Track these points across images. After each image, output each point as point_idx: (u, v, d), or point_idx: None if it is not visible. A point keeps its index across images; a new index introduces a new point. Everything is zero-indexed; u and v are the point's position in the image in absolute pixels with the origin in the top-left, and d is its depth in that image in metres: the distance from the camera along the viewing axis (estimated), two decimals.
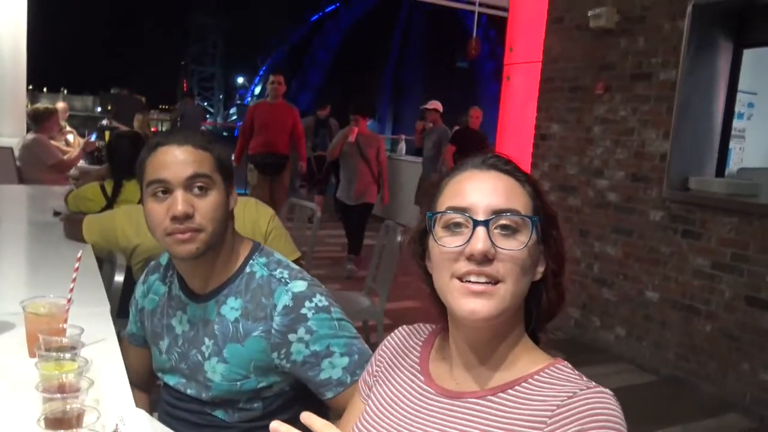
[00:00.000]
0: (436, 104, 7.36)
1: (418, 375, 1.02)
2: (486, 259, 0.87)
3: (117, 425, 1.12)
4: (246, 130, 6.17)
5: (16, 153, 5.40)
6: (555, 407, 0.84)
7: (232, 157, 7.28)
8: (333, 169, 7.87)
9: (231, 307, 1.34)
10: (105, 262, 2.45)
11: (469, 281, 0.87)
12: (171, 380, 1.44)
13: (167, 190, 1.28)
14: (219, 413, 1.37)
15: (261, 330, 1.30)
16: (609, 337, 4.32)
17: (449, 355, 0.99)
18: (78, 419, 1.00)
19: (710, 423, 3.37)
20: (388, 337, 1.13)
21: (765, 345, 3.38)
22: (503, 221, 0.89)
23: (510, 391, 0.90)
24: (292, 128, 6.16)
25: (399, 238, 3.29)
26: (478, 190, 0.92)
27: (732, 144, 4.25)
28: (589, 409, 0.82)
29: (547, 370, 0.91)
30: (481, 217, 0.89)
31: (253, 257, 1.39)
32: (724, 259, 3.62)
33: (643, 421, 3.18)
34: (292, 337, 1.29)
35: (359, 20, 36.22)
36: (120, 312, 2.04)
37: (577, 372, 0.91)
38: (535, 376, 0.91)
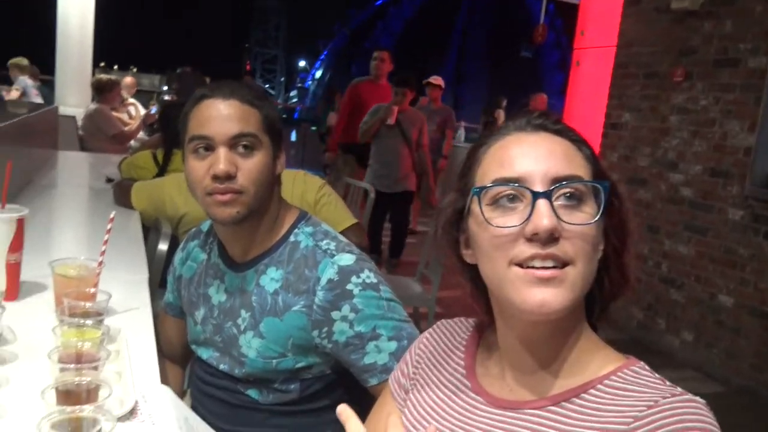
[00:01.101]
0: (438, 80, 6.58)
1: (464, 380, 0.86)
2: (552, 238, 0.70)
3: (137, 402, 1.02)
4: (346, 113, 5.37)
5: (79, 122, 5.50)
6: (632, 419, 0.68)
7: (325, 146, 6.68)
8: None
9: (271, 278, 1.23)
10: (151, 230, 2.40)
11: (534, 267, 0.71)
12: (204, 354, 1.34)
13: (209, 147, 1.18)
14: (252, 392, 1.26)
15: (302, 304, 1.18)
16: (674, 342, 4.04)
17: (499, 357, 0.83)
18: (90, 394, 0.89)
19: None
20: (426, 334, 0.96)
21: None
22: (567, 190, 0.72)
23: (576, 399, 0.75)
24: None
25: None
26: (530, 156, 0.75)
27: None
28: (676, 420, 0.66)
29: (620, 373, 0.75)
30: (540, 188, 0.72)
31: (299, 226, 1.27)
32: None
33: None
34: (335, 314, 1.16)
35: (422, 6, 35.91)
36: (162, 282, 1.96)
37: (657, 375, 0.75)
38: (606, 381, 0.75)
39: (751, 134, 3.64)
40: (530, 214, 0.71)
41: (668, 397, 0.69)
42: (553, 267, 0.71)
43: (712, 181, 3.87)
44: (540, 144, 0.76)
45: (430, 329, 0.97)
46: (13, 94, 6.98)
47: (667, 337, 4.10)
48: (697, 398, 0.69)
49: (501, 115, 8.04)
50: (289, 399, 1.25)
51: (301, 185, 2.18)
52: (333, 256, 1.19)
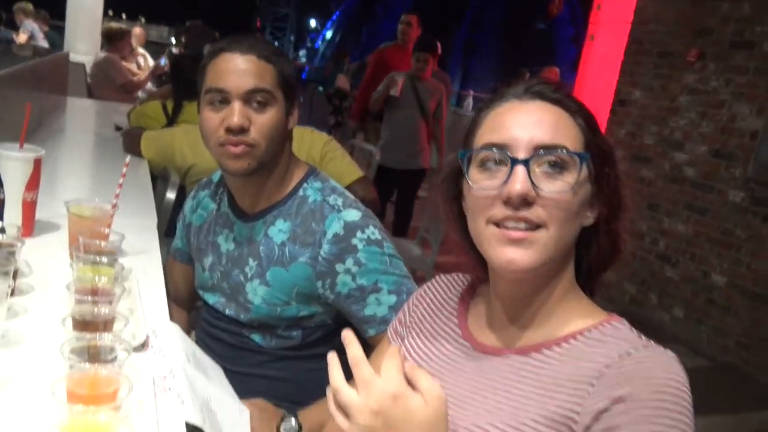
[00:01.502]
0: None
1: (455, 328, 0.92)
2: (525, 202, 0.76)
3: (148, 336, 1.07)
4: (370, 79, 4.87)
5: (88, 70, 5.49)
6: (605, 367, 0.73)
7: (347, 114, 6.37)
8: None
9: (279, 230, 1.28)
10: (159, 179, 2.43)
11: (507, 227, 0.77)
12: (211, 299, 1.39)
13: (225, 100, 1.21)
14: (256, 337, 1.32)
15: (308, 256, 1.23)
16: (665, 317, 4.12)
17: (490, 308, 0.89)
18: (106, 325, 0.95)
19: (766, 416, 3.17)
20: (425, 286, 1.03)
21: None
22: (548, 158, 0.77)
23: (556, 348, 0.80)
24: None
25: None
26: (520, 123, 0.79)
27: None
28: (644, 369, 0.71)
29: (600, 327, 0.80)
30: (521, 155, 0.77)
31: (308, 181, 1.32)
32: None
33: (695, 406, 3.02)
34: (339, 267, 1.21)
35: None
36: (168, 231, 2.01)
37: (635, 330, 0.79)
38: (586, 333, 0.80)
39: (760, 118, 3.65)
40: (507, 179, 0.76)
41: (640, 349, 0.74)
42: (526, 229, 0.76)
43: (716, 163, 3.89)
44: (532, 112, 0.80)
45: (429, 282, 1.03)
46: (22, 37, 6.96)
47: (658, 313, 4.18)
48: (668, 351, 0.74)
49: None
50: (290, 345, 1.31)
51: (308, 141, 2.21)
52: (340, 211, 1.23)
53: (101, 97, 5.02)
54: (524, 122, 0.79)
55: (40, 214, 1.48)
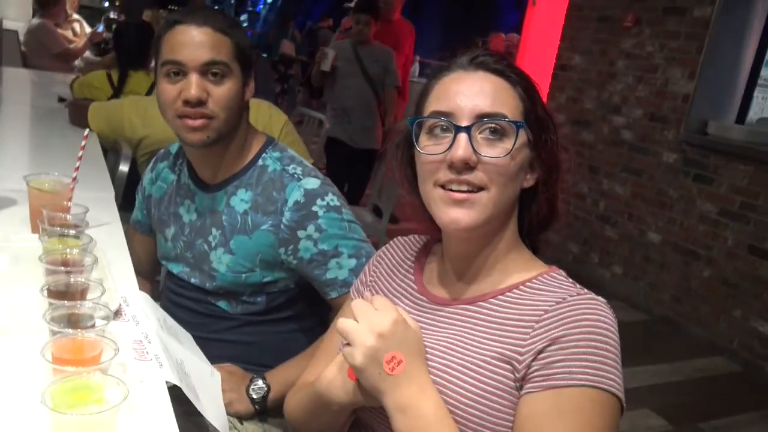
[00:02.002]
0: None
1: (412, 284, 1.00)
2: (467, 167, 0.84)
3: (120, 305, 1.11)
4: None
5: (21, 38, 5.25)
6: (543, 312, 0.82)
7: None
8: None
9: (241, 199, 1.31)
10: (109, 151, 2.41)
11: (451, 189, 0.85)
12: (175, 268, 1.43)
13: (181, 72, 1.23)
14: (222, 304, 1.37)
15: (270, 224, 1.28)
16: (605, 274, 4.34)
17: (442, 265, 0.98)
18: (82, 293, 0.98)
19: (697, 363, 3.43)
20: (384, 247, 1.10)
21: (761, 294, 3.39)
22: (489, 126, 0.85)
23: (501, 297, 0.89)
24: (405, 59, 4.44)
25: None
26: (463, 93, 0.86)
27: (756, 92, 4.12)
28: (577, 313, 0.80)
29: (540, 278, 0.89)
30: (464, 123, 0.85)
31: (266, 151, 1.35)
32: (732, 206, 3.57)
33: (632, 357, 3.21)
34: (300, 233, 1.26)
35: None
36: (124, 203, 2.01)
37: (571, 280, 0.89)
38: (528, 283, 0.89)
39: (691, 82, 3.83)
40: (451, 145, 0.84)
41: (574, 296, 0.83)
42: (468, 191, 0.85)
43: (651, 126, 4.08)
44: (474, 83, 0.87)
45: (387, 245, 1.11)
46: None
47: (599, 271, 4.40)
48: (599, 298, 0.84)
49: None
50: (255, 310, 1.36)
51: (266, 117, 2.22)
52: (299, 179, 1.28)
53: (37, 66, 4.83)
54: (467, 92, 0.86)
55: None
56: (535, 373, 0.79)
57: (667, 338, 3.72)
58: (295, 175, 1.29)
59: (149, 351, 1.00)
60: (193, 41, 1.22)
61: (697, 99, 3.80)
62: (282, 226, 1.27)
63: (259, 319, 1.38)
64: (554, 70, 4.86)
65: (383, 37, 4.24)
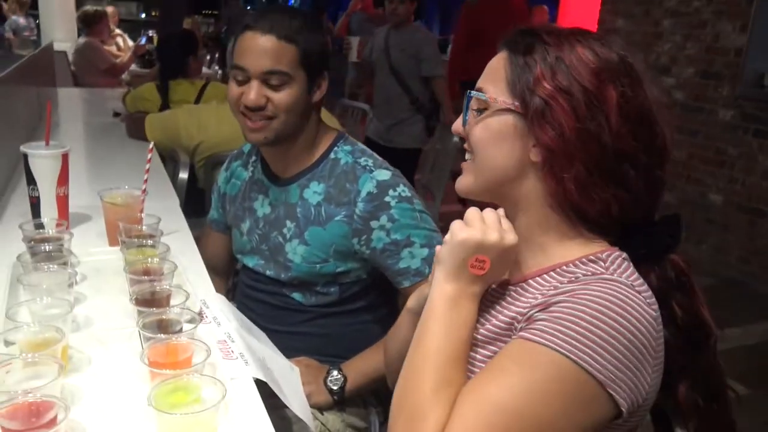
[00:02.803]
0: None
1: None
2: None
3: (201, 308, 1.16)
4: (461, 44, 3.98)
5: (70, 57, 5.45)
6: (554, 289, 0.78)
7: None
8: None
9: (314, 191, 1.35)
10: (167, 160, 2.49)
11: None
12: (251, 262, 1.47)
13: (245, 78, 1.29)
14: (296, 295, 1.41)
15: (343, 215, 1.31)
16: None
17: None
18: (167, 300, 1.03)
19: None
20: None
21: None
22: None
23: (531, 281, 0.85)
24: None
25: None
26: None
27: None
28: (583, 287, 0.75)
29: (581, 260, 0.81)
30: None
31: (338, 144, 1.39)
32: None
33: None
34: (374, 224, 1.29)
35: None
36: (186, 210, 2.08)
37: (617, 264, 0.79)
38: (564, 266, 0.82)
39: (743, 34, 3.69)
40: None
41: (589, 275, 0.77)
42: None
43: (704, 84, 3.95)
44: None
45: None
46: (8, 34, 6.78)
47: None
48: (624, 281, 0.75)
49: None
50: (329, 301, 1.40)
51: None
52: (372, 171, 1.31)
53: (87, 84, 5.01)
54: None
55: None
56: (519, 326, 0.78)
57: (736, 301, 3.61)
58: (367, 167, 1.32)
59: (234, 350, 1.04)
60: (257, 49, 1.27)
61: (751, 52, 3.66)
62: (355, 217, 1.30)
63: (333, 311, 1.41)
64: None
65: (495, 14, 3.69)
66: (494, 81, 0.85)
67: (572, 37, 0.82)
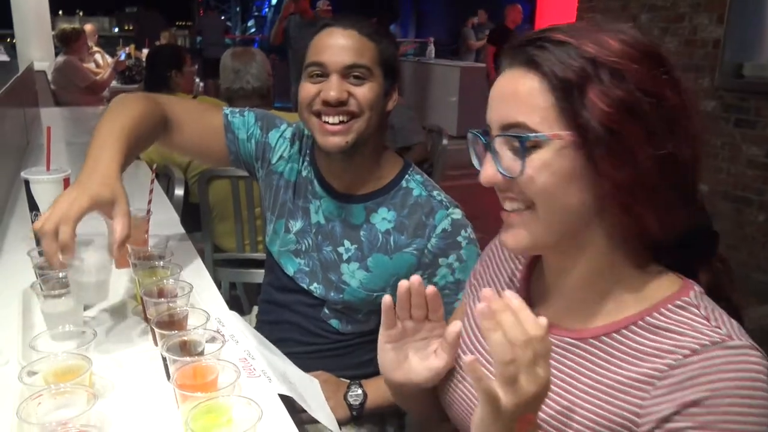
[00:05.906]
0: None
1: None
2: None
3: (217, 327, 1.16)
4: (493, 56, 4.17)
5: (49, 77, 5.39)
6: (667, 367, 0.68)
7: None
8: None
9: (383, 218, 1.31)
10: (161, 176, 2.47)
11: None
12: (291, 266, 1.39)
13: (323, 74, 1.23)
14: (334, 322, 1.36)
15: (414, 247, 1.28)
16: None
17: (544, 281, 0.85)
18: (185, 320, 1.03)
19: (765, 310, 3.38)
20: (490, 244, 1.00)
21: None
22: None
23: (615, 335, 0.74)
24: None
25: (445, 141, 3.24)
26: None
27: None
28: (714, 371, 0.65)
29: (663, 309, 0.72)
30: None
31: (408, 173, 1.34)
32: None
33: None
34: (442, 260, 1.27)
35: None
36: (183, 225, 2.06)
37: (708, 310, 0.71)
38: (647, 317, 0.73)
39: (720, 26, 3.75)
40: None
41: (708, 345, 0.67)
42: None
43: (684, 77, 3.97)
44: None
45: (492, 244, 1.00)
46: None
47: None
48: (750, 346, 0.67)
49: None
50: (365, 330, 1.36)
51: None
52: (447, 208, 1.29)
53: (67, 102, 4.97)
54: None
55: None
56: (647, 428, 0.67)
57: None
58: (443, 203, 1.29)
59: (255, 367, 1.04)
60: (338, 44, 1.23)
61: (728, 42, 3.73)
62: (426, 251, 1.27)
63: (366, 340, 1.37)
64: None
65: None
66: (533, 110, 0.71)
67: (595, 31, 0.73)
